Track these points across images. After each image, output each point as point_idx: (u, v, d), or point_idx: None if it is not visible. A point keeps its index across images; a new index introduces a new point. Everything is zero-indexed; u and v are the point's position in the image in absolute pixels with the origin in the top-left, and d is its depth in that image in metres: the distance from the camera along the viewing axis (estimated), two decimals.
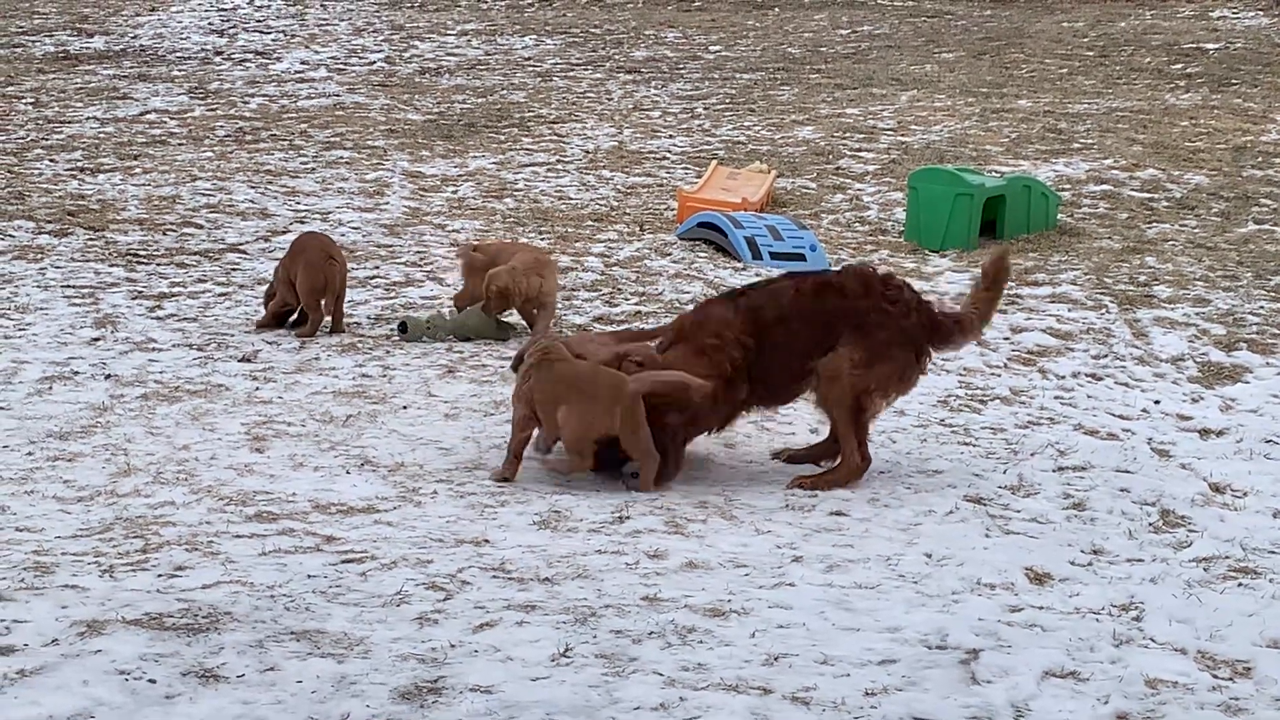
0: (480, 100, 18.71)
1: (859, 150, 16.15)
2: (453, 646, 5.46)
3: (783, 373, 7.71)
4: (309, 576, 6.08)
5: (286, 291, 10.04)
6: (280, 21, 23.47)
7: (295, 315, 10.12)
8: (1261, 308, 11.11)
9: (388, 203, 13.75)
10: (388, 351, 9.70)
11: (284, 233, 12.58)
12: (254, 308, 10.47)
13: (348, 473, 7.46)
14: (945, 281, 11.69)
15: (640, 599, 5.97)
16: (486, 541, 6.58)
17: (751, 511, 7.14)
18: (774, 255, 12.11)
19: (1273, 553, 6.83)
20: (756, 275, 11.67)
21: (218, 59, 21.08)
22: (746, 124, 17.52)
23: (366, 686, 5.14)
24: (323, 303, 10.02)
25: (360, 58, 21.35)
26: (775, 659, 5.47)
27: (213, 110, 17.78)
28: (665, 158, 15.89)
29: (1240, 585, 6.41)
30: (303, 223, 12.92)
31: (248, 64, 20.78)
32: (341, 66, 20.77)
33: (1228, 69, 20.75)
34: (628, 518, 6.94)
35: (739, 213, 12.81)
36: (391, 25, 23.66)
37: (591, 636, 5.58)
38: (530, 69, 20.96)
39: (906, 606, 6.01)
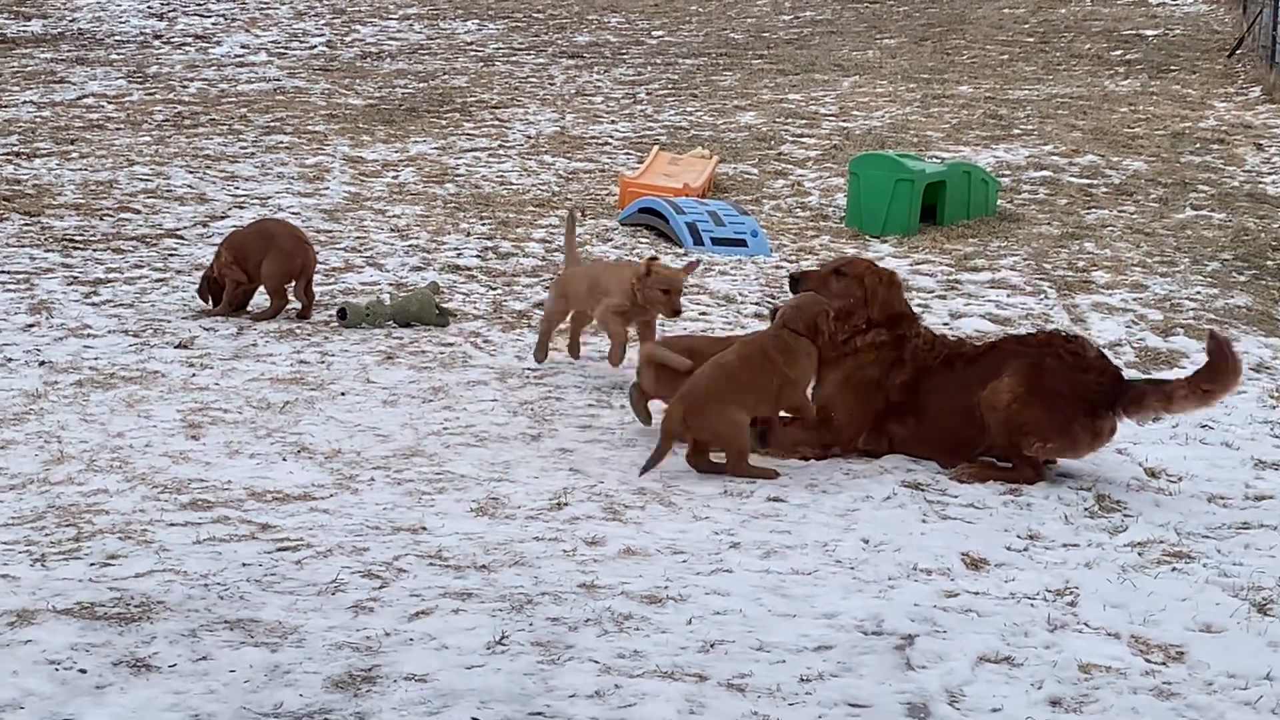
0: (422, 85, 18.64)
1: (801, 136, 16.16)
2: (387, 635, 5.44)
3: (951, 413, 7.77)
4: (243, 565, 6.04)
5: (238, 274, 9.98)
6: (220, 5, 23.31)
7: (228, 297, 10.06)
8: (1198, 293, 11.18)
9: (327, 188, 13.68)
10: (326, 338, 9.65)
11: (222, 218, 12.50)
12: (191, 294, 10.40)
13: (284, 460, 7.41)
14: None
15: (577, 586, 5.95)
16: (423, 529, 6.55)
17: (690, 498, 7.12)
18: (715, 241, 12.12)
19: (1206, 537, 6.86)
20: (697, 260, 11.69)
21: (157, 43, 20.94)
22: (689, 109, 17.51)
23: (300, 676, 5.11)
24: (288, 288, 10.03)
25: (301, 42, 21.24)
26: (711, 646, 5.46)
27: (151, 94, 17.66)
28: (607, 143, 15.87)
29: (1174, 570, 6.44)
30: (242, 208, 12.85)
31: (187, 48, 20.65)
32: (282, 51, 20.66)
33: (1166, 55, 20.87)
34: (566, 504, 6.92)
35: (680, 198, 12.80)
36: (333, 9, 23.55)
37: (528, 624, 5.57)
38: (472, 53, 20.90)
39: (843, 592, 6.01)
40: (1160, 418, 7.83)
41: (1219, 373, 7.53)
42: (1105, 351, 7.95)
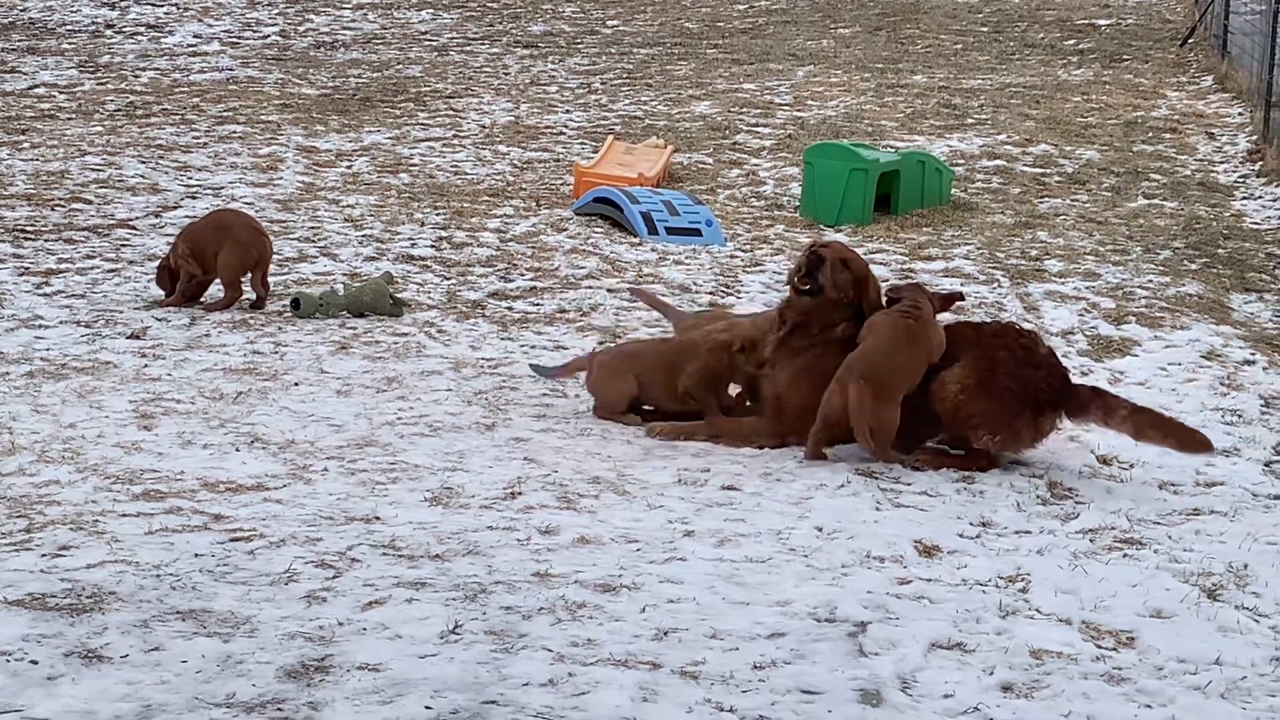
0: (376, 74, 18.59)
1: (755, 125, 16.18)
2: (341, 625, 5.42)
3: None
4: (196, 555, 6.01)
5: (194, 267, 9.93)
6: None
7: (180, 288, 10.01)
8: (1150, 281, 11.24)
9: (281, 178, 13.64)
10: (280, 328, 9.62)
11: (175, 208, 12.45)
12: (144, 284, 10.35)
13: (237, 450, 7.38)
14: None
15: (531, 575, 5.95)
16: (377, 519, 6.53)
17: (644, 487, 7.13)
18: (670, 230, 12.12)
19: (1157, 524, 6.90)
20: (653, 250, 11.70)
21: (108, 32, 20.83)
22: (643, 99, 17.51)
23: (253, 666, 5.09)
24: (244, 279, 9.99)
25: (254, 31, 21.16)
26: (665, 634, 5.47)
27: (103, 84, 17.56)
28: (562, 133, 15.86)
29: (1125, 556, 6.48)
30: (194, 198, 12.79)
31: (139, 37, 20.54)
32: (235, 40, 20.57)
33: (1119, 45, 20.97)
34: (520, 494, 6.92)
35: (635, 188, 12.80)
36: None
37: (481, 613, 5.56)
38: (427, 43, 20.85)
39: (796, 580, 6.03)
40: (1095, 428, 7.78)
41: (1175, 431, 7.53)
42: (1056, 350, 7.98)
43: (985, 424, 7.53)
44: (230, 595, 5.65)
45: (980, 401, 7.55)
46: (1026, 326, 8.00)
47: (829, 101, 17.29)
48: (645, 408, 8.23)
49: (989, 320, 8.57)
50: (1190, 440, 7.49)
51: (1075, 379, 7.91)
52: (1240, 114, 17.03)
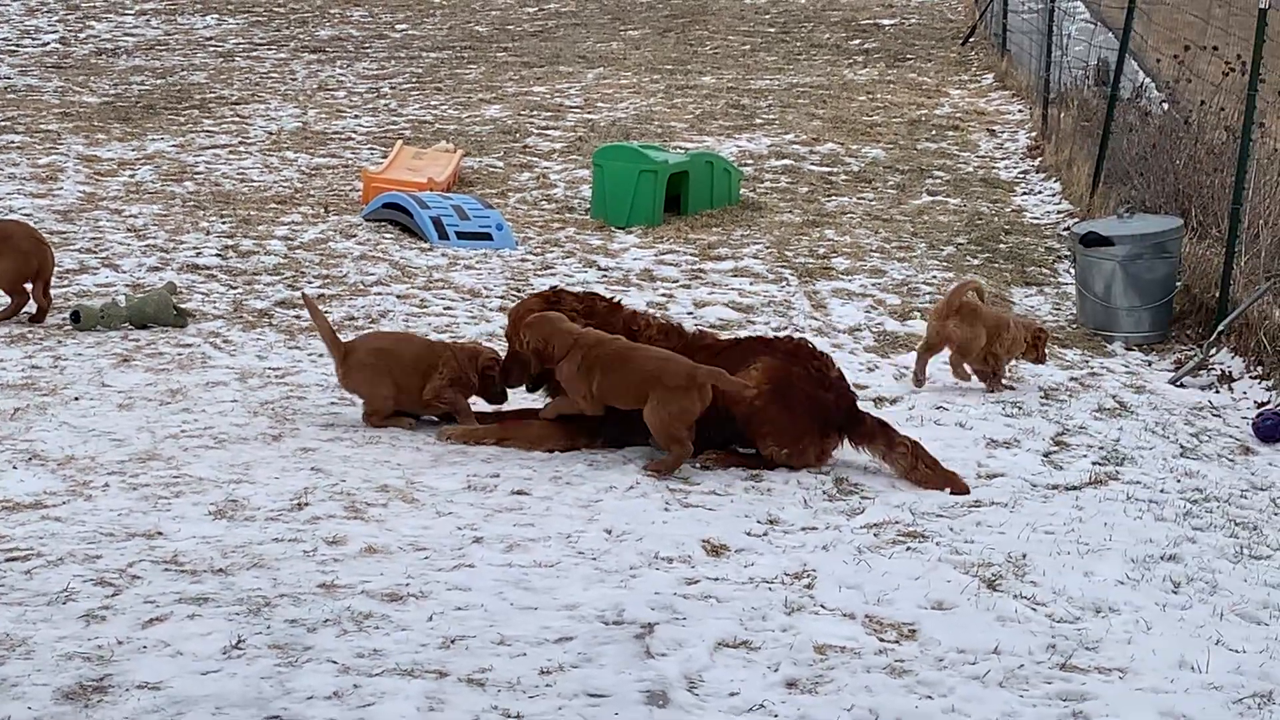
0: (159, 81, 18.29)
1: (546, 128, 16.19)
2: (120, 643, 5.32)
3: None
4: None
5: None
6: None
7: None
8: (935, 277, 11.43)
9: (61, 188, 13.35)
10: (59, 341, 9.41)
11: None
12: None
13: (14, 468, 7.20)
14: (631, 258, 11.78)
15: (316, 586, 5.88)
16: (159, 534, 6.41)
17: (433, 494, 7.09)
18: (460, 235, 12.08)
19: (940, 516, 7.02)
20: (443, 255, 11.64)
21: None
22: (433, 103, 17.43)
23: (28, 688, 4.97)
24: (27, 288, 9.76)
25: (33, 39, 20.69)
26: (452, 642, 5.44)
27: None
28: (350, 138, 15.73)
29: (908, 549, 6.58)
30: None
31: None
32: (13, 48, 20.10)
33: (903, 44, 21.32)
34: (307, 504, 6.84)
35: (425, 193, 12.74)
36: (66, 5, 22.98)
37: (265, 627, 5.49)
38: (212, 49, 20.56)
39: (585, 583, 6.03)
40: (874, 459, 7.75)
41: (944, 473, 7.60)
42: (844, 372, 8.04)
43: (774, 436, 7.59)
44: (5, 616, 5.51)
45: (773, 410, 7.59)
46: (819, 348, 8.01)
47: (619, 104, 17.36)
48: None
49: (781, 336, 8.58)
50: (954, 483, 7.56)
51: (863, 406, 7.98)
52: (1020, 111, 17.41)
